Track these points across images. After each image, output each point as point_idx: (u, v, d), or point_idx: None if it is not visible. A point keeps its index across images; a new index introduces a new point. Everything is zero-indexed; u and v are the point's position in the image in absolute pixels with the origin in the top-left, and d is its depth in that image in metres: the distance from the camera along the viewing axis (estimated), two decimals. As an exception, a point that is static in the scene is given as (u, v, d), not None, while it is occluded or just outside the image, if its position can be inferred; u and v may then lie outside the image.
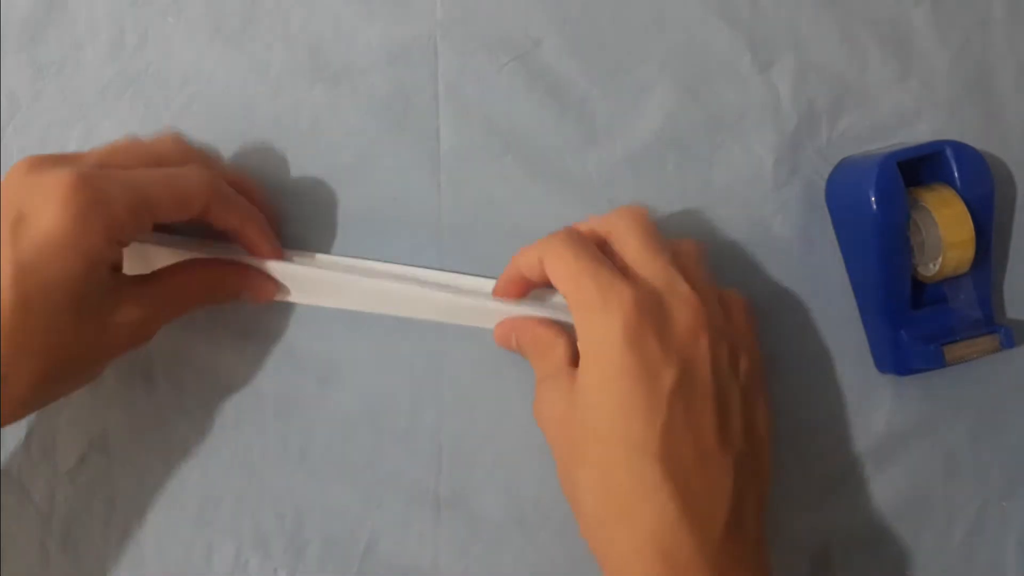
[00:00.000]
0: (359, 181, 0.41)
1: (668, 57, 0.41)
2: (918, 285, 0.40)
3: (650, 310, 0.32)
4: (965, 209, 0.37)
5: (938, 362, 0.37)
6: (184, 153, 0.37)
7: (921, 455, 0.40)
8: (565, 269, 0.34)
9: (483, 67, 0.41)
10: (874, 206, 0.37)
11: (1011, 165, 0.42)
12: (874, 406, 0.40)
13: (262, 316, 0.40)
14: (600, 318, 0.33)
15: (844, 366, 0.41)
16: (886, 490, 0.40)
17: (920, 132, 0.41)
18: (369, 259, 0.40)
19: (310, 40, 0.41)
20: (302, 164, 0.41)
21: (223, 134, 0.41)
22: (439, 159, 0.41)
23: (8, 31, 0.41)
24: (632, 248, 0.35)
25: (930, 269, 0.38)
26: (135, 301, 0.34)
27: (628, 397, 0.32)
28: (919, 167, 0.39)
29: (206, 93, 0.41)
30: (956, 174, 0.38)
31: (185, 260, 0.37)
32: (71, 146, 0.41)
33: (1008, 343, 0.37)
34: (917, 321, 0.39)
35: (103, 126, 0.41)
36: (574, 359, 0.35)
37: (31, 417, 0.40)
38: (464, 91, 0.41)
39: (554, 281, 0.35)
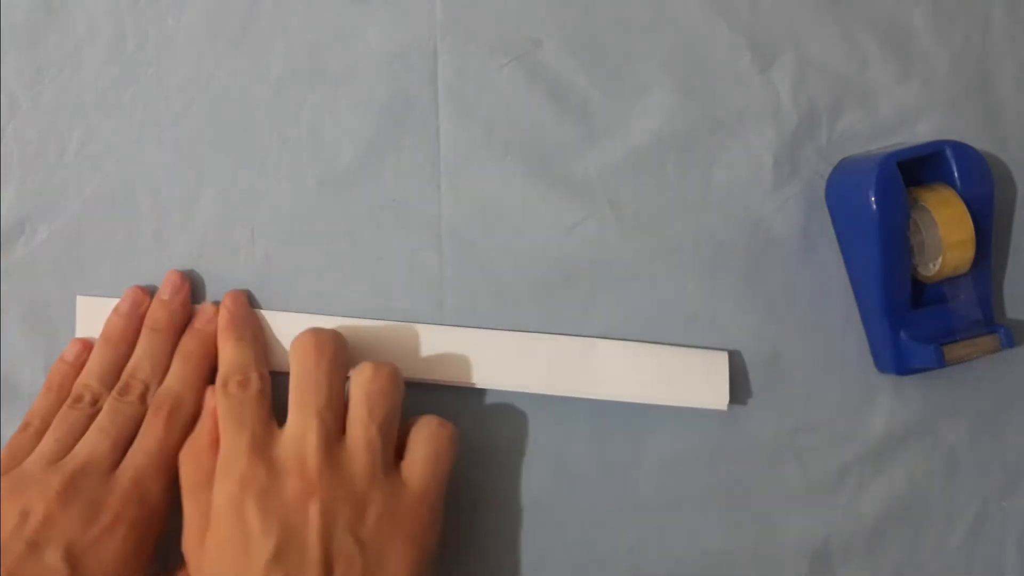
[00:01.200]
0: (359, 183, 0.41)
1: (668, 57, 0.41)
2: (918, 285, 0.40)
3: (253, 483, 0.33)
4: (965, 209, 0.37)
5: (938, 362, 0.37)
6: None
7: (921, 455, 0.40)
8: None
9: (483, 68, 0.41)
10: (874, 206, 0.37)
11: (1011, 165, 0.42)
12: (874, 406, 0.40)
13: (262, 317, 0.40)
14: (218, 486, 0.34)
15: (844, 366, 0.41)
16: (886, 490, 0.40)
17: (920, 132, 0.41)
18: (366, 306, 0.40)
19: (310, 42, 0.41)
20: (302, 166, 0.41)
21: (223, 136, 0.41)
22: (439, 160, 0.41)
23: (8, 32, 0.41)
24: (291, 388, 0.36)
25: (930, 269, 0.38)
26: None
27: (228, 567, 0.32)
28: (919, 167, 0.39)
29: (206, 95, 0.41)
30: (956, 174, 0.38)
31: None
32: (71, 148, 0.41)
33: (1008, 343, 0.37)
34: (917, 321, 0.39)
35: (103, 128, 0.41)
36: None
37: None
38: (464, 92, 0.41)
39: None
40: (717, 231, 0.41)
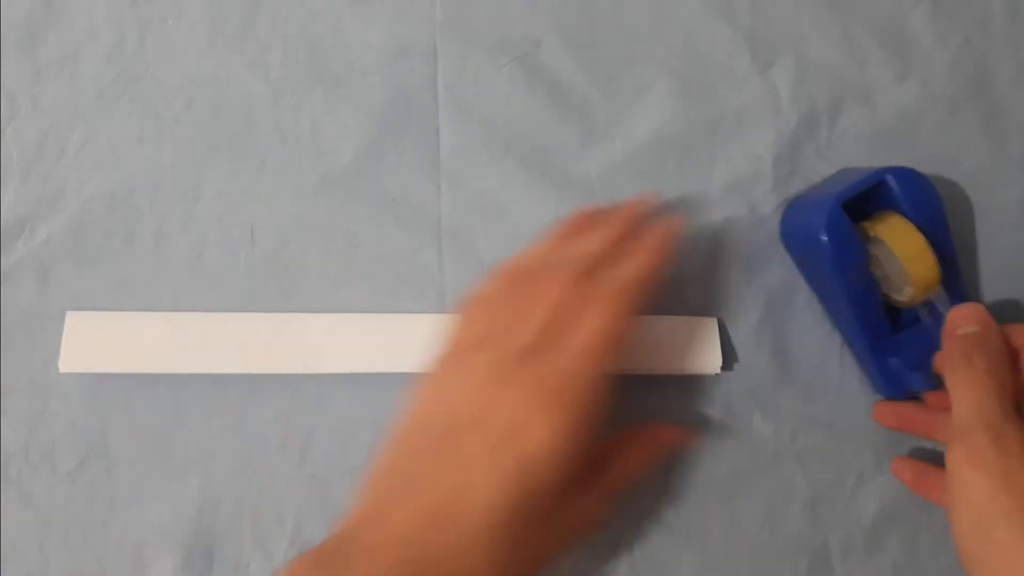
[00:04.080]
0: (359, 183, 0.41)
1: (668, 57, 0.41)
2: (897, 310, 0.39)
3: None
4: (920, 235, 0.36)
5: (930, 386, 0.37)
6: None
7: (921, 455, 0.40)
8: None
9: (483, 68, 0.41)
10: (829, 253, 0.36)
11: (1011, 165, 0.42)
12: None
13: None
14: None
15: (845, 365, 0.41)
16: (886, 490, 0.40)
17: (920, 132, 0.42)
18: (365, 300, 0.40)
19: (310, 42, 0.41)
20: (302, 166, 0.41)
21: (223, 136, 0.41)
22: (439, 160, 0.41)
23: (8, 32, 0.41)
24: None
25: (904, 295, 0.38)
26: (591, 496, 0.34)
27: None
28: (866, 199, 0.38)
29: (206, 95, 0.41)
30: (902, 201, 0.37)
31: (625, 439, 0.37)
32: (71, 148, 0.41)
33: None
34: (902, 345, 0.38)
35: (103, 128, 0.41)
36: None
37: (31, 420, 0.40)
38: (464, 92, 0.41)
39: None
40: (717, 231, 0.41)
